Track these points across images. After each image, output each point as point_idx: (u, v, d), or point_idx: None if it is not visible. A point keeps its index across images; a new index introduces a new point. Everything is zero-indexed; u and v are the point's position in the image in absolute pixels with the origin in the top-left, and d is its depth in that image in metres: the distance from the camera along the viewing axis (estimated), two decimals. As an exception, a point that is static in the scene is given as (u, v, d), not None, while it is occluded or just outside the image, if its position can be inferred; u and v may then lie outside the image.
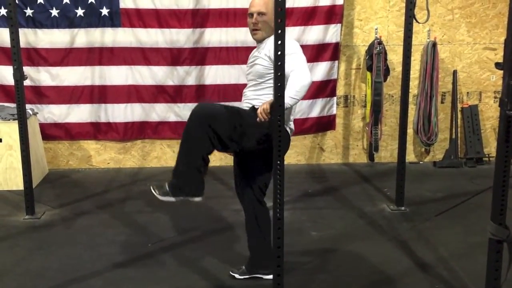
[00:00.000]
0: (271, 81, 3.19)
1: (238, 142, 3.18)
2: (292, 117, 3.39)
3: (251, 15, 3.29)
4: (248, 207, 3.46)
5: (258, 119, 2.99)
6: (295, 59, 3.07)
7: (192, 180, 3.15)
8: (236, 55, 5.85)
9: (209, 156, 3.19)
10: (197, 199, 3.20)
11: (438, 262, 3.77)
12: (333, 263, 3.81)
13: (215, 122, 3.07)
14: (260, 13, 3.25)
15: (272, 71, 3.16)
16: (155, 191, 3.18)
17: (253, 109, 3.21)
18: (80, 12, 5.72)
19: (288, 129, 3.31)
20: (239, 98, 3.57)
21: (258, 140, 3.17)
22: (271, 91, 3.18)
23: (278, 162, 2.83)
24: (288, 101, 2.90)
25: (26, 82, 4.90)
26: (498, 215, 2.65)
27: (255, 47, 3.46)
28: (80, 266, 3.78)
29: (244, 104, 3.35)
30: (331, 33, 5.92)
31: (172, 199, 3.17)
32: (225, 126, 3.10)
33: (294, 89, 2.97)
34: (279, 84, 2.74)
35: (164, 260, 3.87)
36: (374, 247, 4.04)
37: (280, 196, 2.86)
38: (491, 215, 2.69)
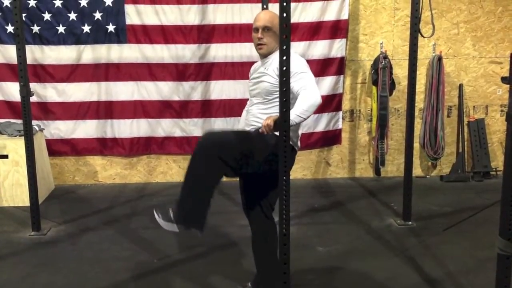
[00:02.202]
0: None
1: (248, 167, 3.13)
2: (299, 133, 3.36)
3: (256, 29, 3.26)
4: (257, 224, 3.40)
5: (260, 130, 2.97)
6: (305, 78, 3.04)
7: (197, 214, 3.05)
8: (242, 70, 5.86)
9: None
10: (199, 233, 3.08)
11: (446, 278, 3.73)
12: (340, 279, 3.78)
13: (223, 151, 3.00)
14: (265, 28, 3.22)
15: None
16: (158, 215, 3.05)
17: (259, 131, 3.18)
18: (86, 28, 5.76)
19: (293, 144, 3.28)
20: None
21: (268, 162, 3.12)
22: (278, 108, 3.16)
23: (284, 177, 2.81)
24: (293, 118, 2.86)
25: (33, 98, 4.92)
26: (507, 230, 2.62)
27: None
28: (86, 282, 3.77)
29: (251, 121, 3.31)
30: (336, 48, 5.94)
31: (174, 227, 3.03)
32: (234, 154, 3.04)
33: (301, 108, 2.94)
34: (284, 100, 2.73)
35: (170, 276, 3.85)
36: (381, 263, 4.01)
37: (286, 212, 2.84)
38: (499, 230, 2.66)
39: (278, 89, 3.14)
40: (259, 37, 3.24)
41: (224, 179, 6.27)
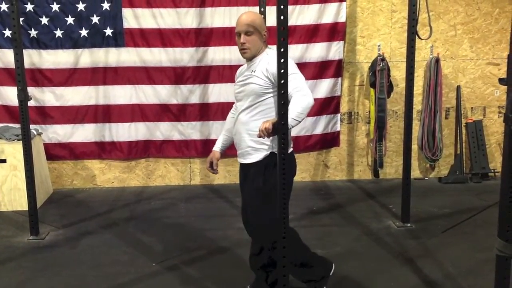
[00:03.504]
0: (268, 100, 3.14)
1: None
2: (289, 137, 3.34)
3: (239, 34, 3.21)
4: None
5: (258, 135, 2.96)
6: (296, 80, 3.01)
7: (317, 263, 3.49)
8: (240, 73, 5.86)
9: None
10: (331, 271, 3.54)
11: (445, 280, 3.72)
12: (340, 281, 3.77)
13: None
14: (247, 32, 3.17)
15: (270, 90, 3.12)
16: None
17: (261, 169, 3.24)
18: (84, 32, 5.76)
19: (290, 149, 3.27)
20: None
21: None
22: (268, 111, 3.15)
23: (283, 180, 2.81)
24: (290, 122, 2.84)
25: (31, 103, 4.93)
26: (505, 232, 2.62)
27: None
28: (85, 286, 3.76)
29: (245, 131, 3.23)
30: (334, 50, 5.94)
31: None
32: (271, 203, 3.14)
33: (296, 111, 2.93)
34: (282, 102, 2.73)
35: (168, 280, 3.84)
36: (380, 265, 4.01)
37: (285, 214, 2.84)
38: (497, 231, 2.66)
39: (268, 91, 3.14)
40: (241, 42, 3.19)
41: (223, 181, 6.29)
